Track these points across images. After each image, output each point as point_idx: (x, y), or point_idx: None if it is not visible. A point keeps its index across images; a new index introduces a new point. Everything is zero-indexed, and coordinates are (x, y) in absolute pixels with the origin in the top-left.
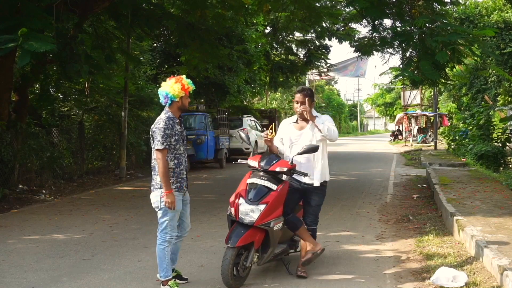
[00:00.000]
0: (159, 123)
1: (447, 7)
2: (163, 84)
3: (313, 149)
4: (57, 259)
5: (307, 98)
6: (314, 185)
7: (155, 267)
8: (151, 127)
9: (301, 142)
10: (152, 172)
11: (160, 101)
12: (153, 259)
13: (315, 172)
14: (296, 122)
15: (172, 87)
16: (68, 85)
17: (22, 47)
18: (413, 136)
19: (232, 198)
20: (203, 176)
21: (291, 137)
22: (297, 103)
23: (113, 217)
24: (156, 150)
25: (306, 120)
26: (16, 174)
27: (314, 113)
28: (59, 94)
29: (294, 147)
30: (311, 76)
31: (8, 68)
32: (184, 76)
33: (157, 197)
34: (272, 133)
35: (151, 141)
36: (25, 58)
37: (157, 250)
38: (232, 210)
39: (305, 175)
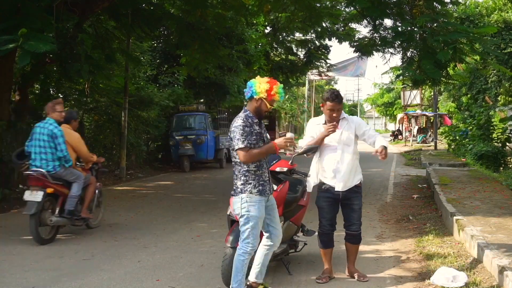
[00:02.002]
0: (236, 121)
1: (447, 7)
2: (257, 77)
3: (313, 149)
4: (57, 259)
5: (341, 105)
6: (336, 189)
7: (155, 267)
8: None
9: (331, 143)
10: (233, 177)
11: (244, 90)
12: (153, 259)
13: (339, 175)
14: (325, 123)
15: (259, 83)
16: (68, 85)
17: (22, 48)
18: (413, 136)
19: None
20: (203, 176)
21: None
22: (331, 111)
23: (113, 217)
24: (238, 149)
25: (336, 121)
26: (16, 174)
27: (343, 115)
28: (59, 94)
29: (324, 148)
30: (311, 76)
31: (8, 68)
32: (279, 83)
33: (237, 203)
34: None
35: (231, 143)
36: (25, 58)
37: (235, 260)
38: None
39: (305, 175)
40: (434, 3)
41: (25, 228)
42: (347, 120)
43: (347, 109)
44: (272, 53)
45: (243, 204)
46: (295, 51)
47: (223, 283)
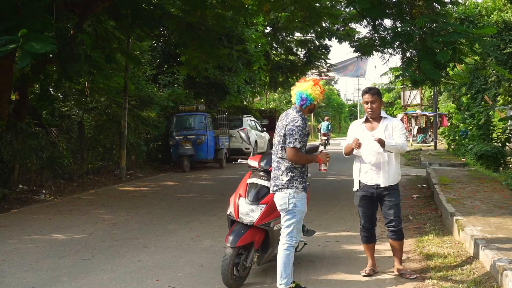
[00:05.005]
0: (297, 121)
1: (447, 7)
2: (298, 85)
3: (315, 149)
4: (57, 259)
5: (376, 97)
6: (382, 185)
7: (155, 267)
8: (284, 124)
9: (373, 143)
10: (276, 172)
11: (295, 102)
12: (153, 259)
13: (383, 173)
14: (366, 121)
15: (313, 89)
16: (68, 85)
17: (23, 48)
18: (413, 136)
19: (232, 198)
20: (203, 176)
21: (364, 139)
22: (367, 104)
23: (113, 217)
24: (292, 148)
25: (377, 119)
26: (16, 174)
27: (383, 114)
28: (59, 94)
29: (365, 148)
30: (311, 76)
31: (8, 68)
32: (314, 79)
33: (284, 198)
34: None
35: (280, 138)
36: (25, 59)
37: (281, 255)
38: (232, 210)
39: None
40: (434, 3)
41: (25, 228)
42: (388, 121)
43: (347, 109)
44: (272, 53)
45: (290, 199)
46: (295, 51)
47: (223, 283)
